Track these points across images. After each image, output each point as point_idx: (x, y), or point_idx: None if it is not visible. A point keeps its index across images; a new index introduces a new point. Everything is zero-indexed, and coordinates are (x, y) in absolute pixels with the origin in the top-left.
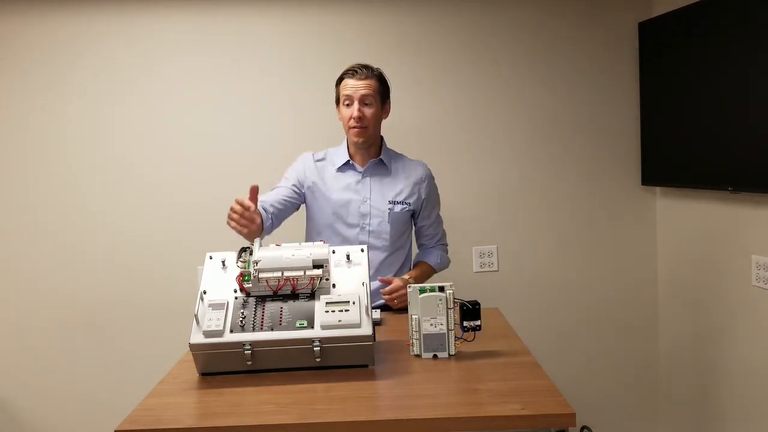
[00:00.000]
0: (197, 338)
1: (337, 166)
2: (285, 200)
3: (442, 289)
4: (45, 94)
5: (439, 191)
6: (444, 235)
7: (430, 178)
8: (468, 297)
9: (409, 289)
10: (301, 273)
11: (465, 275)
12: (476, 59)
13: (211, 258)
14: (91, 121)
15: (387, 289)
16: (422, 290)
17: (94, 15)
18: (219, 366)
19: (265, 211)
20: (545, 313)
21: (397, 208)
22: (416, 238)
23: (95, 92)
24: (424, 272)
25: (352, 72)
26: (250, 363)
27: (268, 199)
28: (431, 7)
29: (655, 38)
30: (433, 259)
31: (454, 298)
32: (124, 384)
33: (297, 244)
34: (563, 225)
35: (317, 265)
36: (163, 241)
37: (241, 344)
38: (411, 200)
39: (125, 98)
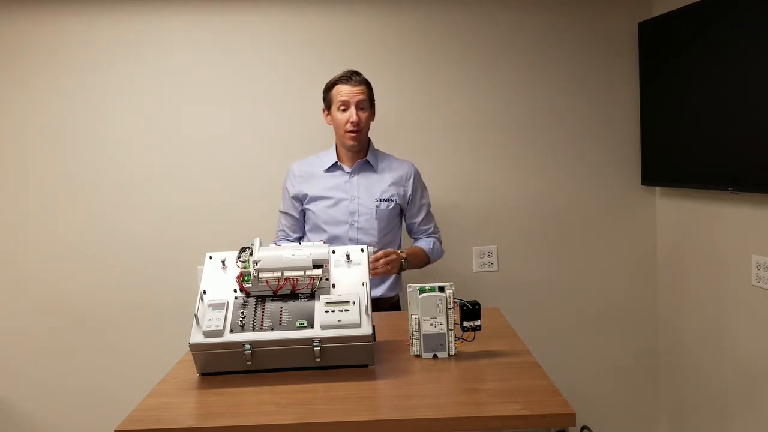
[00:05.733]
0: (197, 338)
1: (326, 167)
2: (298, 222)
3: (442, 289)
4: (45, 94)
5: (429, 189)
6: (436, 228)
7: (416, 175)
8: (468, 297)
9: (409, 290)
10: (301, 273)
11: (465, 275)
12: (476, 59)
13: (211, 258)
14: (91, 121)
15: (372, 257)
16: (422, 290)
17: (93, 15)
18: (219, 366)
19: (290, 240)
20: (545, 313)
21: (383, 205)
22: (409, 235)
23: (95, 92)
24: (417, 253)
25: (346, 78)
26: (250, 363)
27: (287, 226)
28: (431, 7)
29: (655, 38)
30: (425, 245)
31: (454, 298)
32: (124, 384)
33: (297, 243)
34: (563, 225)
35: (317, 265)
36: (163, 241)
37: (241, 344)
38: (397, 197)
39: (126, 98)
